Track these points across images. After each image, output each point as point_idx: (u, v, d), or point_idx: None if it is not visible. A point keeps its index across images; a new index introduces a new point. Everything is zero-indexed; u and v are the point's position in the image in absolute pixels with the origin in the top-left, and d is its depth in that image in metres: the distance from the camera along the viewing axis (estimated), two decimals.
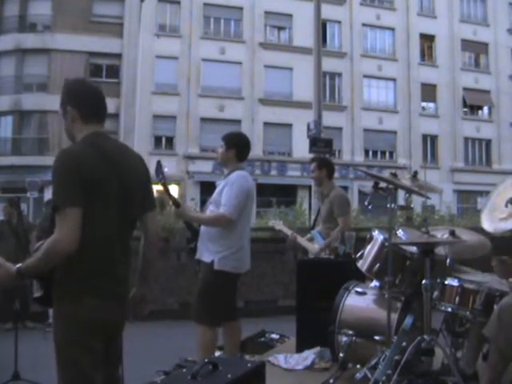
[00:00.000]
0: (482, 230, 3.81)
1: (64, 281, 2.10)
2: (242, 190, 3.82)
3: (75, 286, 2.10)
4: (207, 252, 3.83)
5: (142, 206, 2.34)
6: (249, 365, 2.43)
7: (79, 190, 2.05)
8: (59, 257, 2.03)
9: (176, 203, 3.85)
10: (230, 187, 3.80)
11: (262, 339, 5.05)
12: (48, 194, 16.46)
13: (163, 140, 26.43)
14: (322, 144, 11.18)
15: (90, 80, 2.43)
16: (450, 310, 3.40)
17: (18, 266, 2.06)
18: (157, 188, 3.03)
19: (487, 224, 3.63)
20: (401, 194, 4.05)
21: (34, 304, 2.23)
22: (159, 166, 3.73)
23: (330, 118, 19.73)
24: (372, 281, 3.96)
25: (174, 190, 23.59)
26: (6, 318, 6.82)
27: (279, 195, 19.48)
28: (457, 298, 3.35)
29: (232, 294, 4.00)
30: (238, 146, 4.01)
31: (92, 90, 2.33)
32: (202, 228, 3.92)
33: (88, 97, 2.29)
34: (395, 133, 29.34)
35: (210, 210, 3.96)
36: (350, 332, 3.65)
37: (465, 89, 30.68)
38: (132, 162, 2.33)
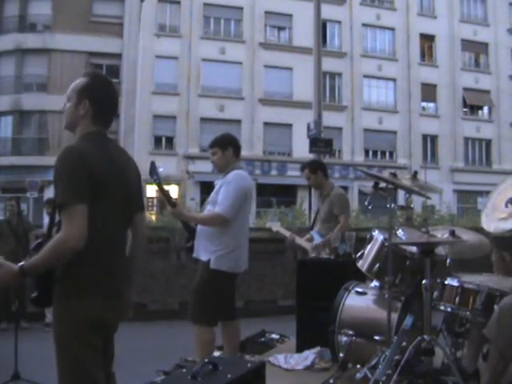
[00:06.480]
0: (482, 230, 3.82)
1: (66, 279, 2.10)
2: (239, 189, 3.80)
3: (77, 285, 2.10)
4: (204, 251, 3.83)
5: (136, 207, 2.38)
6: (249, 365, 2.44)
7: (85, 187, 2.05)
8: (67, 254, 2.02)
9: (171, 203, 3.84)
10: (227, 186, 3.79)
11: (262, 339, 5.05)
12: (48, 194, 16.46)
13: (163, 140, 26.43)
14: (322, 144, 11.17)
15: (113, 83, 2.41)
16: (449, 309, 3.40)
17: (21, 264, 2.03)
18: (156, 189, 3.01)
19: (487, 224, 3.63)
20: (401, 194, 4.05)
21: (32, 304, 2.22)
22: (153, 166, 3.72)
23: (330, 118, 19.73)
24: (372, 281, 3.96)
25: (173, 190, 23.59)
26: (1, 317, 6.83)
27: (279, 195, 19.51)
28: (457, 298, 3.35)
29: (229, 294, 3.99)
30: (233, 144, 4.00)
31: (114, 98, 2.35)
32: (199, 227, 3.92)
33: (109, 103, 2.32)
34: (395, 133, 29.33)
35: (208, 210, 3.96)
36: (350, 332, 3.65)
37: (465, 89, 30.68)
38: (130, 165, 2.38)
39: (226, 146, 3.95)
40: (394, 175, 3.70)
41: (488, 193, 4.18)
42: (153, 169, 3.71)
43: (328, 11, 21.93)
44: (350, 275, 4.10)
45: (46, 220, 7.98)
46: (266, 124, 27.00)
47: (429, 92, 30.08)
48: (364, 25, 29.54)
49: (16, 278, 2.04)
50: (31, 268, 2.03)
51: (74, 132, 2.29)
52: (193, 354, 4.04)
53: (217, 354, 4.07)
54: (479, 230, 3.94)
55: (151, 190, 18.84)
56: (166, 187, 3.86)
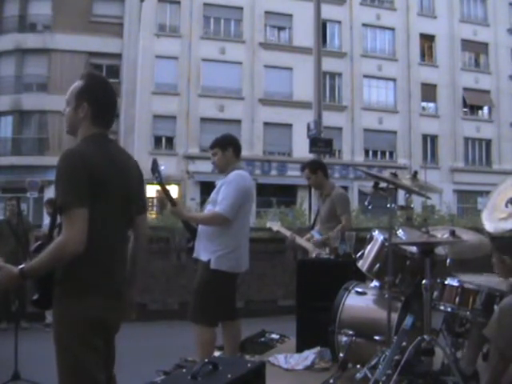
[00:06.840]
0: (482, 230, 3.82)
1: (66, 281, 2.10)
2: (239, 189, 3.81)
3: (77, 286, 2.09)
4: (204, 251, 3.83)
5: (137, 208, 2.37)
6: (249, 365, 2.43)
7: (86, 190, 2.05)
8: (67, 258, 2.02)
9: (172, 201, 3.84)
10: (227, 186, 3.80)
11: (262, 339, 5.05)
12: (48, 194, 16.46)
13: (163, 140, 26.43)
14: (322, 144, 11.17)
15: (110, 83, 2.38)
16: (449, 309, 3.40)
17: (21, 267, 2.03)
18: (157, 188, 3.03)
19: (487, 224, 3.63)
20: (401, 194, 4.05)
21: (32, 306, 2.21)
22: (155, 164, 3.73)
23: (330, 118, 19.72)
24: (372, 281, 3.96)
25: (173, 190, 23.57)
26: (1, 317, 6.83)
27: (279, 195, 19.49)
28: (457, 298, 3.35)
29: (230, 294, 3.98)
30: (233, 144, 4.00)
31: (113, 98, 2.34)
32: (200, 227, 3.92)
33: (107, 103, 2.30)
34: (395, 133, 29.33)
35: (208, 209, 3.96)
36: (350, 332, 3.65)
37: (465, 89, 30.68)
38: (131, 165, 2.37)
39: (227, 147, 3.95)
40: (394, 175, 3.70)
41: (488, 193, 4.19)
42: (155, 166, 3.71)
43: (328, 11, 21.92)
44: (350, 275, 4.11)
45: (46, 220, 7.97)
46: (265, 124, 26.99)
47: (429, 92, 30.08)
48: (364, 25, 29.54)
49: (16, 280, 2.04)
50: (31, 270, 2.03)
51: (76, 136, 2.28)
52: (193, 353, 4.04)
53: (217, 354, 4.07)
54: (479, 230, 3.95)
55: (151, 190, 18.84)
56: (166, 186, 3.88)
